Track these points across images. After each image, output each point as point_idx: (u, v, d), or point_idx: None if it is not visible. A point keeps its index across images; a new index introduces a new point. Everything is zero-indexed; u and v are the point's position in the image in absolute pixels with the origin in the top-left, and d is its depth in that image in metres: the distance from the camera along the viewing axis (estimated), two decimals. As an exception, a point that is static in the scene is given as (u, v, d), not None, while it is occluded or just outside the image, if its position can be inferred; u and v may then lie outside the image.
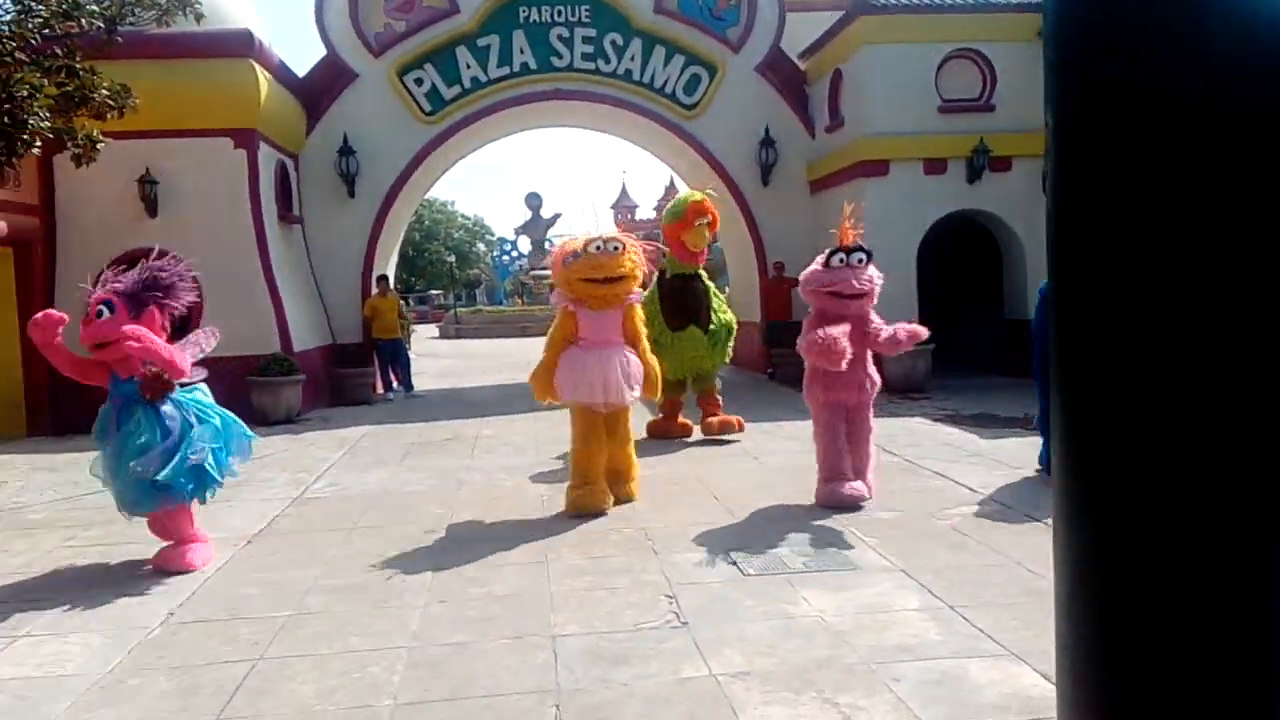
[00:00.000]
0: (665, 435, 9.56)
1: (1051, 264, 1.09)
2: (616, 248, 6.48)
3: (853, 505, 6.36)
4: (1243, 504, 0.94)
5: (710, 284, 9.54)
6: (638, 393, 6.69)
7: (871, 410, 6.68)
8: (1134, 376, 0.96)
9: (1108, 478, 0.98)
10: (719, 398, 9.64)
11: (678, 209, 9.15)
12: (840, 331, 6.06)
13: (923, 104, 12.89)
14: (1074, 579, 1.03)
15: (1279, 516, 0.95)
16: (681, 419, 9.65)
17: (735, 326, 9.66)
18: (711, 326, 9.24)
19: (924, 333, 6.62)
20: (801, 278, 6.78)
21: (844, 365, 6.06)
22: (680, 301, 9.18)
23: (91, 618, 4.73)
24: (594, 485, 6.55)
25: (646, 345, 6.94)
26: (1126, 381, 0.96)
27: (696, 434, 9.46)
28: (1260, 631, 0.93)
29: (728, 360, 9.76)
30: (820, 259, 6.61)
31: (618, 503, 6.65)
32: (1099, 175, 0.98)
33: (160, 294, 5.66)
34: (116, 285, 5.64)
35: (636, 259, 6.60)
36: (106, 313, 5.46)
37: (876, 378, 6.67)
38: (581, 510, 6.43)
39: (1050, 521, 5.10)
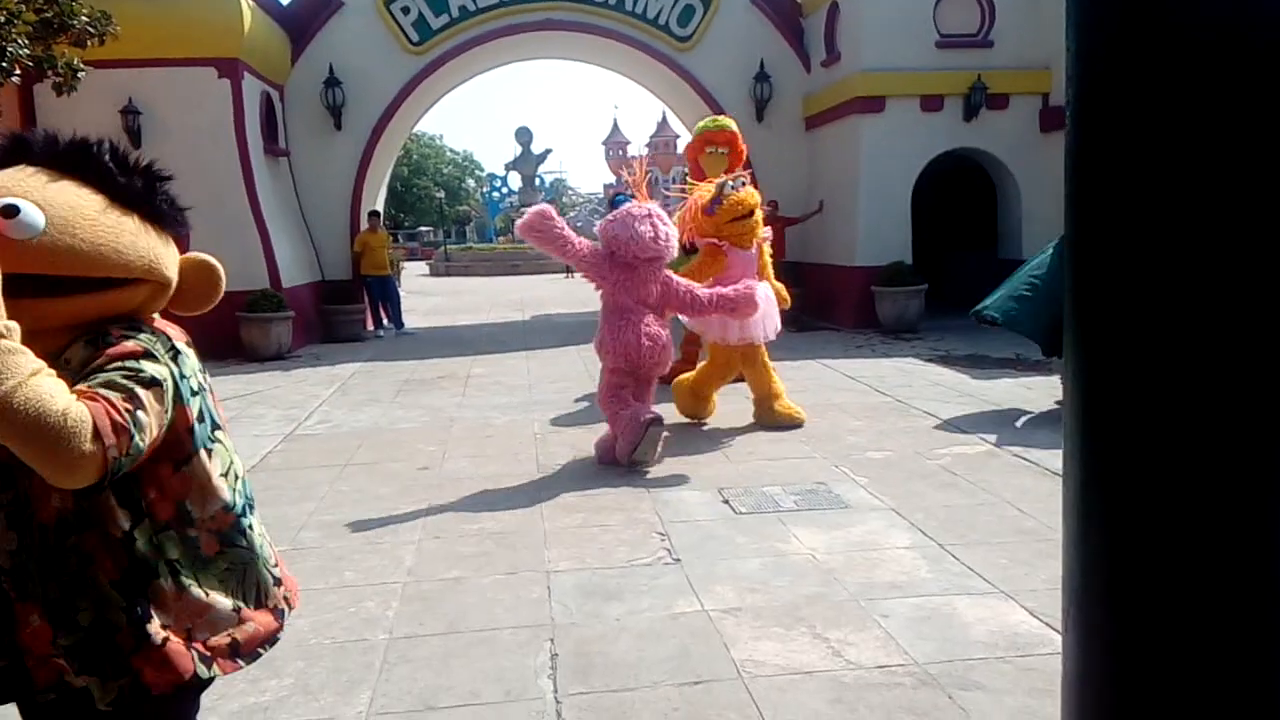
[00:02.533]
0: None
1: (1070, 207, 1.05)
2: (744, 181, 6.91)
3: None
4: (1262, 444, 0.92)
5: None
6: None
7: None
8: (1151, 320, 0.94)
9: (1121, 425, 0.97)
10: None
11: (697, 131, 8.91)
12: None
13: (920, 39, 12.68)
14: (1084, 523, 1.01)
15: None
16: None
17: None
18: None
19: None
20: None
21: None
22: None
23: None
24: (703, 398, 7.24)
25: (771, 273, 7.23)
26: (1143, 325, 0.94)
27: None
28: (1276, 576, 0.92)
29: None
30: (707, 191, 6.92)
31: (785, 427, 6.93)
32: (1127, 108, 0.94)
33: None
34: None
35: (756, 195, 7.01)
36: None
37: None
38: (691, 414, 7.23)
39: (1038, 461, 5.11)
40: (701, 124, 9.03)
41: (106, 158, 1.59)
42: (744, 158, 8.81)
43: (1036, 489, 5.30)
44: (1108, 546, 0.98)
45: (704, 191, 6.90)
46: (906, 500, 5.17)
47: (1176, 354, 0.92)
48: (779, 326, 7.02)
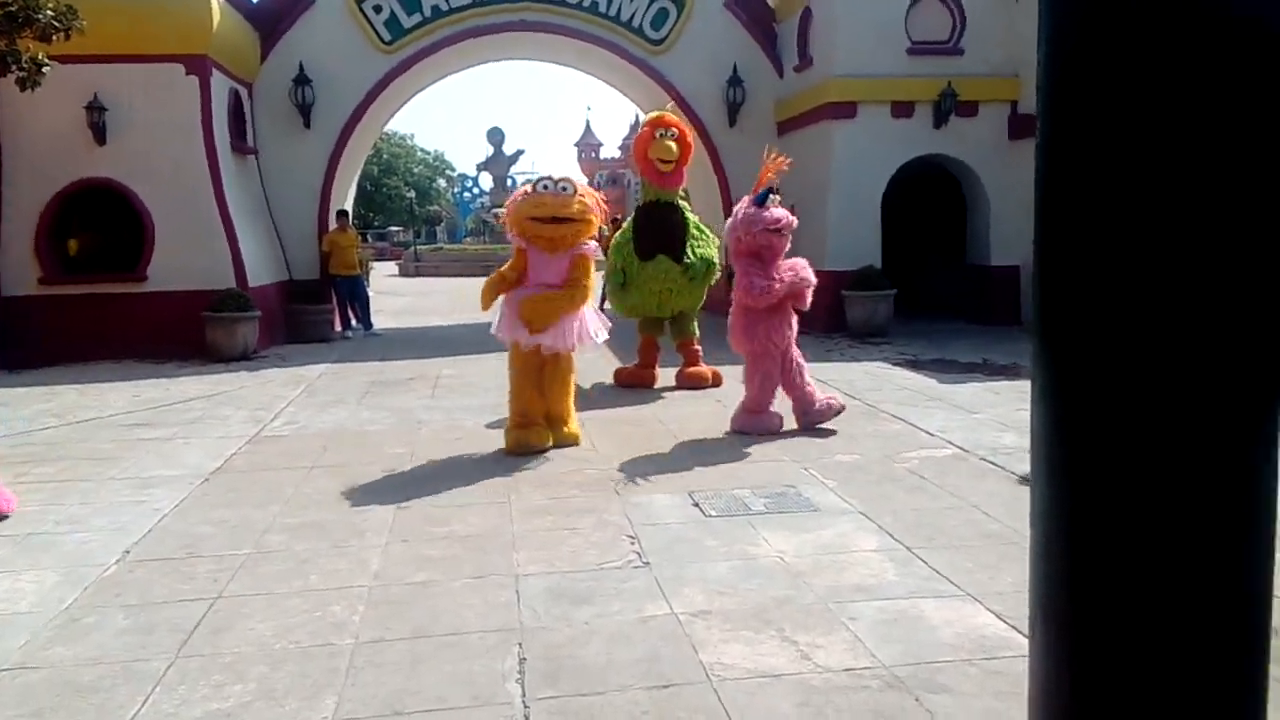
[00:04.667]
0: (634, 383, 9.11)
1: (1039, 203, 1.05)
2: (565, 189, 6.47)
3: (769, 433, 6.88)
4: (1224, 449, 0.93)
5: (694, 217, 8.99)
6: (582, 343, 6.69)
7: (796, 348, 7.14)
8: (1118, 327, 0.94)
9: (1088, 429, 0.97)
10: (698, 347, 9.19)
11: (644, 121, 8.94)
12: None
13: (892, 45, 12.79)
14: (1050, 528, 1.02)
15: (1256, 465, 0.94)
16: (650, 368, 9.17)
17: (717, 264, 8.92)
18: (687, 260, 8.59)
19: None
20: (736, 220, 6.83)
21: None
22: (650, 228, 8.69)
23: (45, 555, 4.66)
24: (533, 425, 6.57)
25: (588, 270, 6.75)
26: (1111, 332, 0.95)
27: (662, 380, 9.17)
28: (1238, 581, 0.93)
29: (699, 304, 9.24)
30: (746, 202, 6.94)
31: (560, 445, 6.64)
32: (1096, 116, 0.95)
33: None
34: None
35: (588, 205, 6.53)
36: None
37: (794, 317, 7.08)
38: (520, 449, 6.46)
39: (1005, 465, 5.15)
40: (648, 116, 9.03)
41: None
42: (691, 150, 8.80)
43: (1003, 493, 5.35)
44: (1073, 551, 0.99)
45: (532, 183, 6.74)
46: (875, 503, 5.20)
47: (1144, 360, 0.93)
48: (589, 340, 6.75)
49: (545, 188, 6.47)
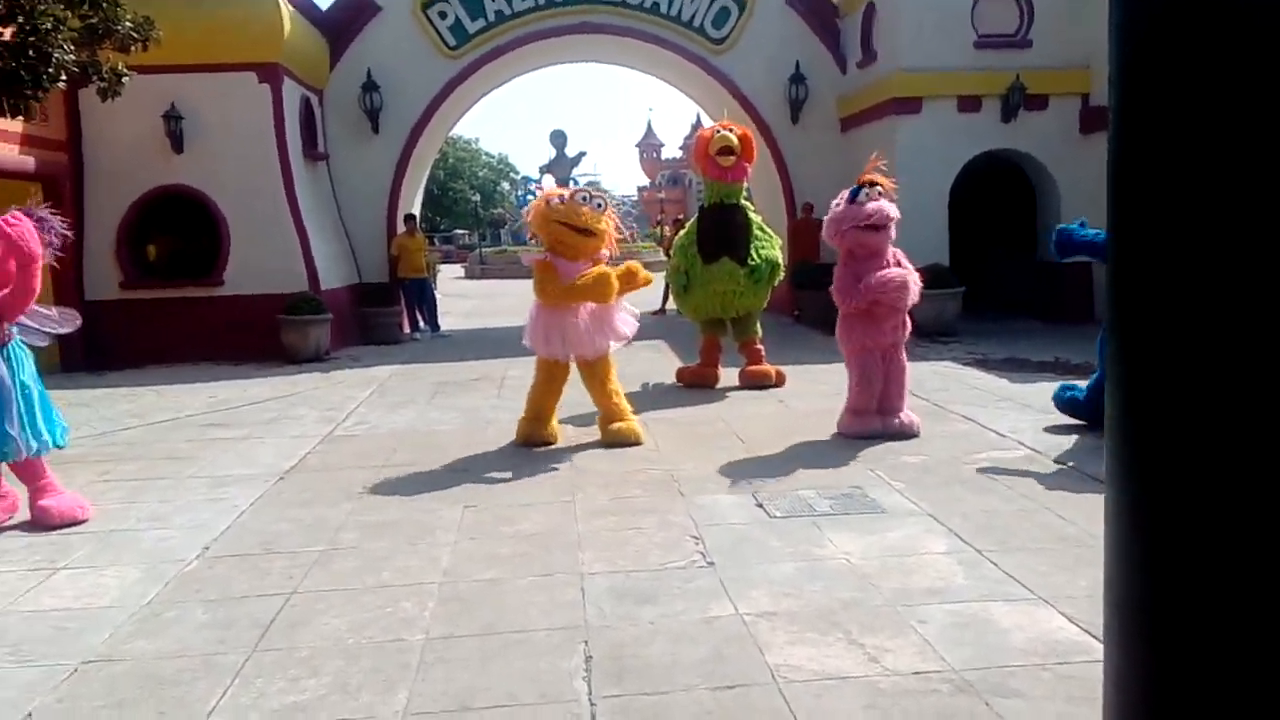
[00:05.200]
0: (697, 383, 9.12)
1: (1111, 198, 1.03)
2: (600, 205, 6.73)
3: (871, 436, 6.66)
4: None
5: (757, 218, 8.94)
6: (612, 344, 6.87)
7: (904, 350, 6.89)
8: (1197, 326, 0.92)
9: (1166, 433, 0.95)
10: (760, 346, 9.15)
11: (700, 131, 9.02)
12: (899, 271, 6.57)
13: (958, 39, 12.57)
14: (1126, 533, 1.00)
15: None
16: (712, 368, 9.17)
17: (780, 265, 8.96)
18: (751, 262, 8.59)
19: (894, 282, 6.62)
20: (828, 219, 6.77)
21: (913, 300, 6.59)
22: (713, 230, 8.69)
23: (128, 551, 4.83)
24: (542, 420, 6.95)
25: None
26: (1189, 331, 0.93)
27: (724, 380, 9.16)
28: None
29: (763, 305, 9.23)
30: (842, 197, 6.76)
31: (615, 445, 6.74)
32: (1171, 108, 0.93)
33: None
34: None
35: (612, 224, 6.79)
36: None
37: (908, 319, 6.73)
38: (526, 440, 6.88)
39: (1079, 466, 5.04)
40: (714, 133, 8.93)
41: None
42: (753, 150, 8.79)
43: (1077, 494, 5.23)
44: (1151, 555, 0.97)
45: (561, 190, 6.84)
46: (944, 505, 5.13)
47: (1223, 359, 0.91)
48: (620, 336, 6.90)
49: (584, 199, 6.67)
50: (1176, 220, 0.93)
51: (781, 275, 9.00)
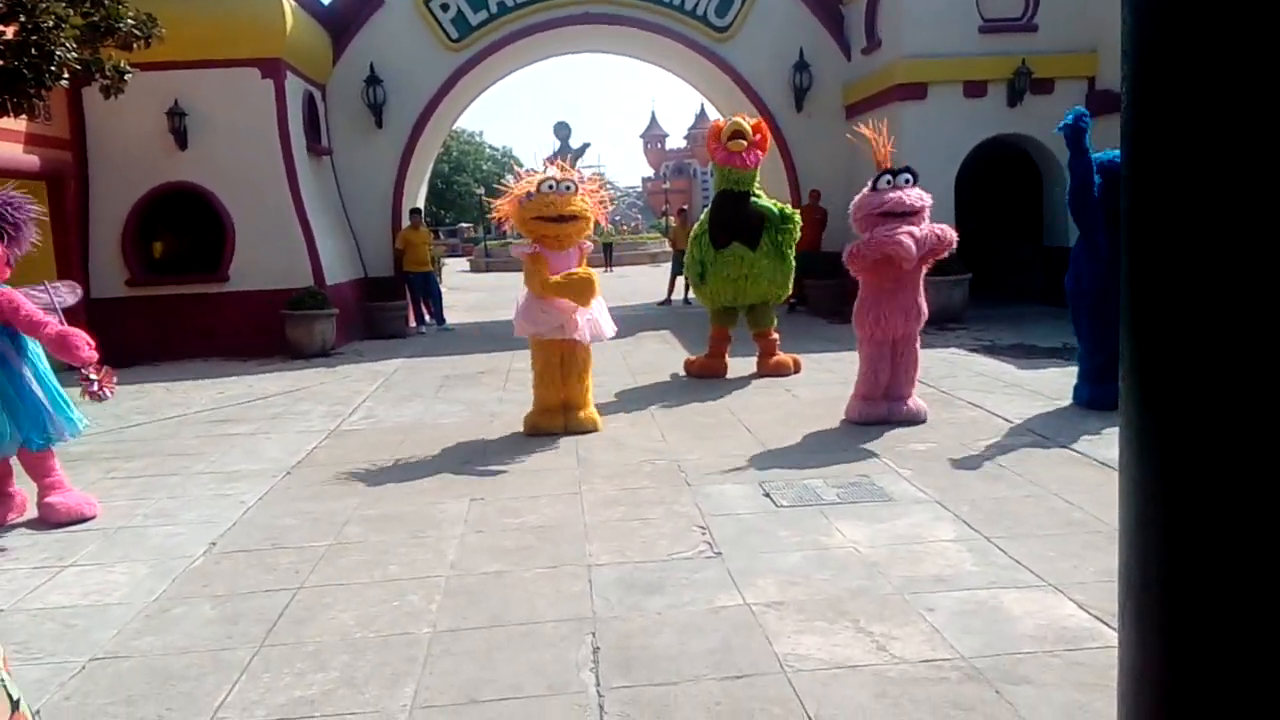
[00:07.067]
0: (705, 373, 9.10)
1: (1126, 194, 1.01)
2: (568, 187, 6.71)
3: (879, 421, 6.68)
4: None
5: (770, 205, 8.83)
6: (597, 336, 6.93)
7: (918, 340, 6.87)
8: (1211, 307, 0.90)
9: (1181, 415, 0.93)
10: (775, 336, 9.16)
11: (710, 128, 8.97)
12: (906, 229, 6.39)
13: (963, 24, 12.49)
14: (1140, 517, 0.98)
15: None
16: (720, 358, 9.17)
17: (795, 231, 8.88)
18: (762, 246, 8.65)
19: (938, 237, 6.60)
20: (851, 206, 6.75)
21: (912, 254, 6.35)
22: (723, 217, 8.72)
23: (135, 548, 4.83)
24: (550, 411, 6.96)
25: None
26: (1203, 312, 0.90)
27: (733, 371, 9.15)
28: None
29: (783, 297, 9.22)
30: (868, 186, 6.72)
31: (579, 432, 6.88)
32: (1186, 89, 0.90)
33: (10, 231, 5.22)
34: None
35: (589, 201, 6.80)
36: None
37: (924, 308, 6.73)
38: (536, 431, 6.92)
39: (1086, 451, 5.01)
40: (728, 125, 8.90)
41: None
42: (767, 139, 8.80)
43: (1085, 480, 5.20)
44: (1166, 539, 0.95)
45: (527, 184, 6.82)
46: (951, 492, 5.10)
47: (1237, 341, 0.88)
48: (604, 333, 6.98)
49: (550, 188, 6.66)
50: (1193, 201, 0.90)
51: (792, 255, 8.93)
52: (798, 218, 8.92)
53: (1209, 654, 0.91)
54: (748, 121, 8.56)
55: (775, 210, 8.74)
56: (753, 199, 8.74)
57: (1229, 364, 0.89)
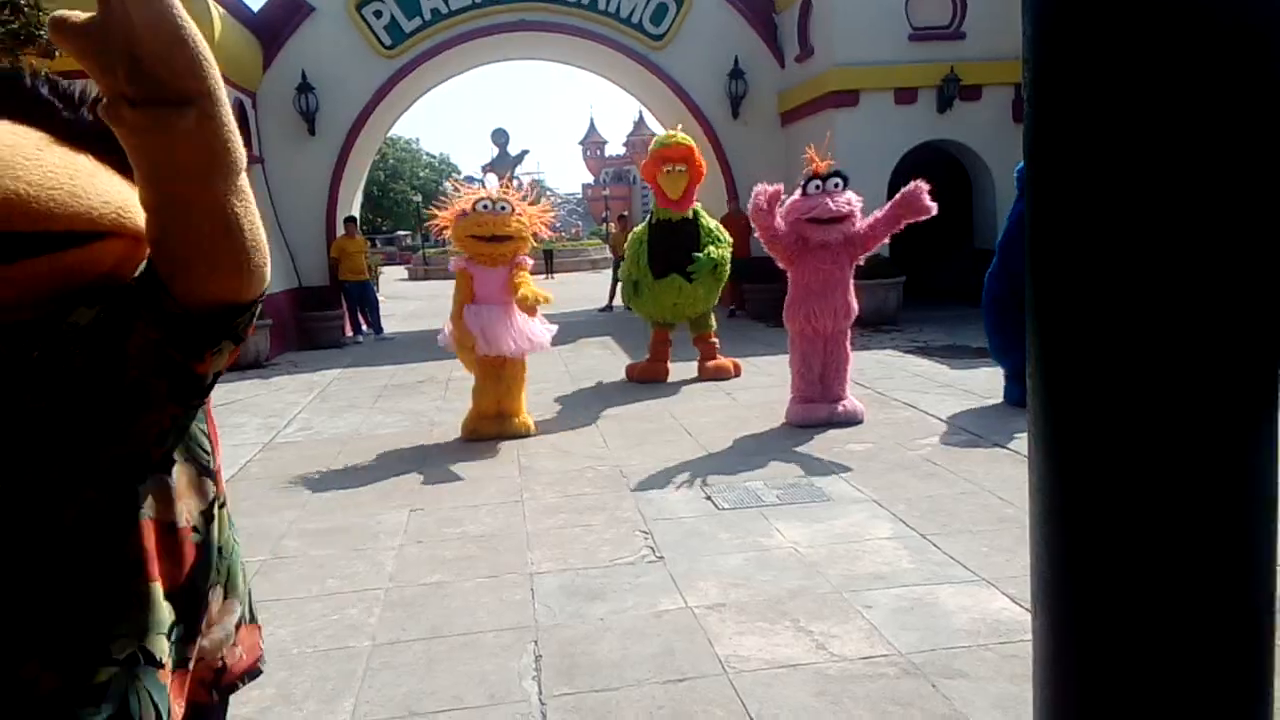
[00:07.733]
0: (647, 378, 9.14)
1: (1029, 183, 1.04)
2: (503, 208, 6.77)
3: (820, 424, 6.77)
4: (1223, 432, 0.92)
5: (709, 224, 8.92)
6: (526, 348, 6.93)
7: (849, 338, 6.97)
8: (1111, 307, 0.94)
9: (1081, 412, 0.97)
10: (715, 340, 9.24)
11: (652, 149, 8.91)
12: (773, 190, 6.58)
13: (893, 32, 12.73)
14: (1047, 506, 1.02)
15: (1253, 441, 0.94)
16: (662, 362, 9.21)
17: (727, 268, 8.89)
18: (695, 278, 8.62)
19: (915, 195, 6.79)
20: (785, 207, 6.83)
21: (766, 208, 6.53)
22: (663, 248, 8.72)
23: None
24: (487, 418, 7.09)
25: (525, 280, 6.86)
26: (1104, 311, 0.94)
27: (674, 375, 9.18)
28: (1238, 557, 0.93)
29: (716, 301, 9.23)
30: (798, 190, 6.74)
31: (514, 436, 7.01)
32: (1083, 91, 0.94)
33: None
34: None
35: (525, 222, 6.85)
36: None
37: (854, 305, 6.83)
38: (474, 436, 7.04)
39: (1018, 449, 5.13)
40: (656, 140, 9.05)
41: (44, 90, 1.24)
42: (702, 173, 8.81)
43: (1016, 477, 5.33)
44: (1069, 530, 0.98)
45: (464, 201, 6.87)
46: (888, 491, 5.19)
47: (1137, 340, 0.92)
48: (536, 344, 6.96)
49: (485, 208, 6.73)
50: (1092, 201, 0.94)
51: (727, 275, 8.97)
52: (727, 254, 8.90)
53: (1113, 638, 0.95)
54: (677, 170, 8.53)
55: (710, 257, 8.61)
56: (691, 222, 8.76)
57: (1124, 362, 0.93)
